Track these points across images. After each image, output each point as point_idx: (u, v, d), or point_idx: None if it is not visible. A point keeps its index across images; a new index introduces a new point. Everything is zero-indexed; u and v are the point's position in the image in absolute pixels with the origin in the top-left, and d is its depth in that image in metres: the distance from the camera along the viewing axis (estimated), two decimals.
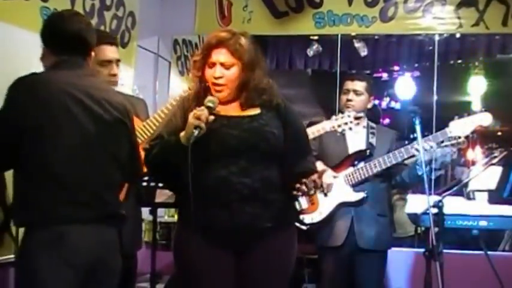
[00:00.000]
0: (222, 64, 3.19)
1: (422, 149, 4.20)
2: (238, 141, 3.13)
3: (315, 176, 3.22)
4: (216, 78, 3.19)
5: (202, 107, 3.09)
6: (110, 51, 3.83)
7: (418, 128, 4.04)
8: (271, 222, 3.16)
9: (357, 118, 4.44)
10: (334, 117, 4.44)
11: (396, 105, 12.83)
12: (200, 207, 3.01)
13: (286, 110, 3.33)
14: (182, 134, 3.08)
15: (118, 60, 3.90)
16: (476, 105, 11.99)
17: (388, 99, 12.80)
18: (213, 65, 3.20)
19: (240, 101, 3.28)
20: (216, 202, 3.09)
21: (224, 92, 3.22)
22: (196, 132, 3.00)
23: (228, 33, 3.24)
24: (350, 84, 4.69)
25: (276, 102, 3.29)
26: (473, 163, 10.48)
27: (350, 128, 4.37)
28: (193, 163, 3.00)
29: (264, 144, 3.16)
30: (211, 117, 3.08)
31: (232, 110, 3.27)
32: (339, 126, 4.35)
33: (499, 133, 10.20)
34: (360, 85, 4.68)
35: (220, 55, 3.19)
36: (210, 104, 3.11)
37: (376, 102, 11.35)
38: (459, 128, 4.40)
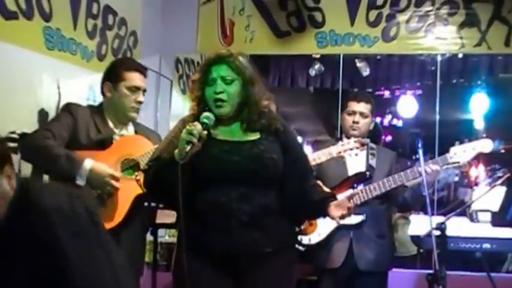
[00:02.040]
0: (223, 79, 3.17)
1: (424, 172, 4.18)
2: (239, 167, 3.12)
3: (349, 204, 3.23)
4: (217, 93, 3.16)
5: (196, 122, 3.06)
6: (140, 79, 3.92)
7: (420, 151, 4.02)
8: (271, 247, 3.14)
9: (362, 145, 4.43)
10: (340, 142, 4.46)
11: (398, 123, 12.84)
12: (200, 231, 3.00)
13: (285, 134, 3.32)
14: (176, 151, 3.03)
15: (144, 90, 3.97)
16: (479, 123, 11.99)
17: (390, 116, 12.81)
18: (213, 81, 3.18)
19: (242, 119, 3.26)
20: (216, 228, 3.08)
21: (226, 108, 3.19)
22: (188, 147, 2.96)
23: (227, 52, 3.27)
24: (356, 106, 4.64)
25: (276, 127, 3.27)
26: (476, 184, 10.45)
27: (356, 154, 4.39)
28: (193, 187, 2.99)
29: (264, 170, 3.15)
30: (205, 133, 3.04)
31: (234, 133, 3.25)
32: (345, 151, 4.37)
33: (502, 151, 10.16)
34: (365, 107, 4.65)
35: (221, 70, 3.19)
36: (205, 120, 3.07)
37: (378, 119, 11.40)
38: (460, 154, 4.37)
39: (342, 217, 3.23)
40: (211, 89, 3.18)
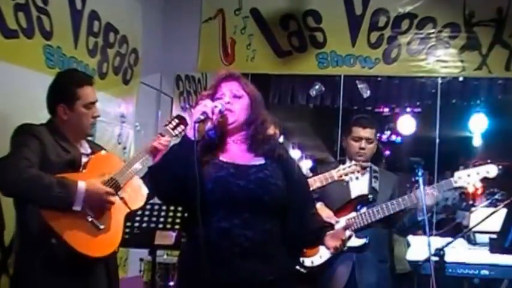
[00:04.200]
0: (231, 93, 3.19)
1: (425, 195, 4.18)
2: (243, 192, 3.08)
3: (343, 236, 3.21)
4: (225, 103, 3.15)
5: (208, 100, 3.10)
6: (93, 92, 3.75)
7: (420, 180, 4.01)
8: (272, 275, 3.11)
9: (363, 168, 4.44)
10: (341, 166, 4.46)
11: (397, 139, 12.90)
12: (200, 260, 2.98)
13: (287, 161, 3.30)
14: (187, 128, 3.07)
15: (96, 101, 3.81)
16: (477, 141, 12.03)
17: (388, 133, 12.86)
18: (223, 95, 3.19)
19: (248, 140, 3.24)
20: (217, 255, 3.03)
21: (232, 117, 3.18)
22: (202, 117, 2.98)
23: (237, 72, 3.30)
24: (362, 132, 4.65)
25: (279, 153, 3.26)
26: (474, 205, 10.46)
27: (357, 178, 4.40)
28: (194, 212, 2.96)
29: (269, 196, 3.12)
30: (218, 108, 3.06)
31: (239, 156, 3.22)
32: (346, 175, 4.38)
33: (499, 167, 10.22)
34: (371, 132, 4.67)
35: (231, 86, 3.21)
36: (218, 104, 3.09)
37: (377, 135, 11.42)
38: (464, 179, 4.38)
39: (335, 249, 3.21)
40: (220, 102, 3.17)
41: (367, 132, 4.65)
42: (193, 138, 2.98)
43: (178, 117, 3.98)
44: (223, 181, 3.09)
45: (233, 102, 3.18)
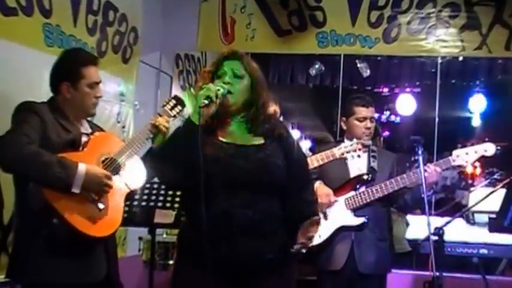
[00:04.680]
0: (233, 72, 3.19)
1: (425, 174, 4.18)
2: (243, 172, 3.09)
3: (310, 233, 3.23)
4: (225, 83, 3.16)
5: (211, 84, 3.11)
6: (97, 73, 3.74)
7: (420, 158, 4.01)
8: (272, 254, 3.13)
9: (365, 146, 4.45)
10: (343, 144, 4.48)
11: (396, 119, 12.89)
12: (201, 239, 2.97)
13: (287, 140, 3.30)
14: (191, 111, 3.06)
15: (100, 81, 3.80)
16: (476, 121, 12.03)
17: (388, 113, 12.85)
18: (223, 74, 3.20)
19: (247, 123, 3.24)
20: (217, 235, 3.03)
21: (231, 99, 3.17)
22: (206, 101, 2.98)
23: (240, 51, 3.29)
24: (365, 112, 4.67)
25: (279, 133, 3.26)
26: (473, 185, 10.47)
27: (359, 156, 4.44)
28: (195, 192, 2.96)
29: (269, 176, 3.13)
30: (221, 91, 3.06)
31: (239, 137, 3.23)
32: (348, 153, 4.39)
33: (498, 148, 10.24)
34: (373, 111, 4.72)
35: (233, 65, 3.21)
36: (220, 87, 3.09)
37: (376, 115, 11.43)
38: (462, 157, 4.39)
39: (300, 246, 3.21)
40: (220, 81, 3.18)
41: (370, 112, 4.68)
42: (197, 123, 2.99)
43: (176, 98, 3.96)
44: (223, 162, 3.10)
45: (233, 82, 3.18)
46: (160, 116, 3.85)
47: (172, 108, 3.91)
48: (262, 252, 3.11)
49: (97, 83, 3.69)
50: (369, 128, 4.64)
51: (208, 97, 3.00)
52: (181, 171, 3.06)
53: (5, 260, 4.01)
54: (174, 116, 3.90)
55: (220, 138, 3.19)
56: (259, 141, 3.22)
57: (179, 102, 3.92)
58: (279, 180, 3.17)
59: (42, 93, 4.28)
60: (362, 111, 4.67)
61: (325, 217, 4.52)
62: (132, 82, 6.05)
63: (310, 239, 3.25)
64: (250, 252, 3.08)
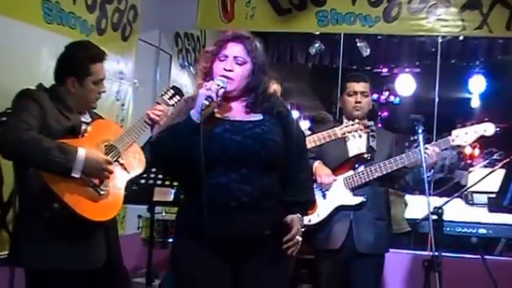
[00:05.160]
0: (235, 58, 3.17)
1: (425, 154, 4.17)
2: (240, 147, 3.08)
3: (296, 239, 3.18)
4: (226, 70, 3.15)
5: (212, 82, 3.09)
6: (104, 69, 3.72)
7: (420, 137, 4.00)
8: (270, 229, 3.13)
9: (366, 126, 4.44)
10: (345, 123, 4.48)
11: (395, 100, 12.87)
12: (199, 215, 2.98)
13: (287, 119, 3.29)
14: (192, 111, 3.04)
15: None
16: (476, 102, 12.02)
17: (387, 93, 12.83)
18: (225, 58, 3.18)
19: (246, 103, 3.24)
20: (215, 210, 3.03)
21: (230, 86, 3.16)
22: (206, 102, 2.98)
23: (246, 33, 3.25)
24: (356, 86, 4.64)
25: (278, 110, 3.26)
26: (472, 165, 10.49)
27: (360, 136, 4.44)
28: (193, 169, 2.97)
29: (266, 152, 3.12)
30: (222, 91, 3.06)
31: (236, 113, 3.23)
32: (349, 132, 4.40)
33: (497, 129, 10.27)
34: (365, 86, 4.66)
35: (236, 49, 3.18)
36: (220, 83, 3.09)
37: (375, 96, 11.41)
38: (461, 137, 4.37)
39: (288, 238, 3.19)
40: (221, 65, 3.17)
41: (361, 86, 4.64)
42: (198, 122, 3.00)
43: (174, 88, 3.98)
44: (219, 137, 3.10)
45: (235, 68, 3.17)
46: (159, 104, 3.86)
47: (171, 98, 3.92)
48: (260, 228, 3.11)
49: (102, 79, 3.68)
50: (359, 102, 4.61)
51: (209, 97, 3.00)
52: (179, 163, 3.08)
53: (5, 236, 4.03)
54: (173, 105, 3.90)
55: (217, 115, 3.18)
56: (257, 117, 3.22)
57: (178, 92, 3.93)
58: (276, 156, 3.16)
59: (41, 70, 4.30)
60: (352, 85, 4.66)
61: (324, 196, 4.52)
62: (132, 60, 6.04)
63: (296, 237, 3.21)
64: (248, 228, 3.08)
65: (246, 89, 3.22)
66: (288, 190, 3.23)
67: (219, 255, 3.10)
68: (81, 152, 3.32)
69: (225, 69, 3.16)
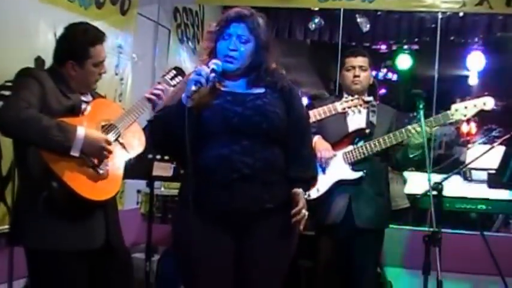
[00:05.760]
0: (238, 37, 3.16)
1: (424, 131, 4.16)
2: (241, 118, 3.10)
3: (302, 212, 3.18)
4: (230, 49, 3.16)
5: (204, 66, 3.08)
6: (104, 50, 3.70)
7: (421, 112, 3.98)
8: (272, 203, 3.13)
9: (366, 102, 4.43)
10: (344, 98, 4.47)
11: (393, 77, 12.85)
12: (200, 186, 2.98)
13: (290, 93, 3.29)
14: (183, 95, 3.03)
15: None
16: (473, 79, 12.01)
17: (385, 70, 12.81)
18: (229, 37, 3.17)
19: (249, 79, 3.25)
20: (217, 181, 3.05)
21: (234, 65, 3.18)
22: (194, 87, 2.97)
23: (248, 11, 3.22)
24: (354, 61, 4.63)
25: (281, 85, 3.26)
26: (469, 141, 10.49)
27: (360, 111, 4.42)
28: (195, 140, 2.97)
29: (267, 123, 3.12)
30: (213, 75, 3.06)
31: (238, 87, 3.24)
32: (350, 108, 4.38)
33: (495, 107, 10.30)
34: (363, 61, 4.65)
35: (239, 28, 3.17)
36: (214, 66, 3.08)
37: (374, 73, 11.40)
38: (461, 111, 4.35)
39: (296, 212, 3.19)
40: (225, 44, 3.17)
41: (359, 61, 4.63)
42: (188, 105, 2.99)
43: (176, 68, 3.97)
44: (220, 108, 3.11)
45: (239, 47, 3.16)
46: (160, 84, 3.85)
47: (172, 78, 3.91)
48: (261, 201, 3.12)
49: (102, 61, 3.67)
50: (357, 76, 4.60)
51: (197, 82, 2.99)
52: (175, 143, 3.06)
53: (4, 210, 4.02)
54: (174, 86, 3.90)
55: (219, 87, 3.18)
56: (259, 90, 3.23)
57: (179, 72, 3.93)
58: (278, 129, 3.17)
59: (39, 42, 4.27)
60: (350, 60, 4.66)
61: (324, 171, 4.51)
62: (130, 34, 6.01)
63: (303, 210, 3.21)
64: (249, 200, 3.09)
65: (249, 67, 3.23)
66: (292, 166, 3.23)
67: (221, 228, 3.11)
68: (81, 131, 3.31)
69: (228, 49, 3.16)
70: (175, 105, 3.08)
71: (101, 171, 3.42)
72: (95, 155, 3.39)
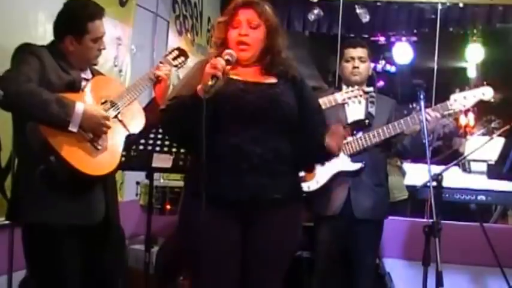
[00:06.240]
0: (248, 22, 3.19)
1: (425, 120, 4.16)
2: (253, 107, 3.11)
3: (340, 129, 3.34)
4: (241, 35, 3.17)
5: (219, 57, 3.07)
6: (102, 26, 3.67)
7: (422, 102, 3.97)
8: (279, 193, 3.15)
9: (366, 92, 4.43)
10: (344, 89, 4.50)
11: (391, 69, 12.83)
12: (210, 175, 2.96)
13: (302, 84, 3.32)
14: (199, 87, 3.02)
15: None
16: (472, 71, 12.00)
17: (383, 62, 12.78)
18: (239, 24, 3.20)
19: (262, 66, 3.27)
20: (226, 170, 3.07)
21: (248, 52, 3.21)
22: (212, 81, 2.95)
23: None
24: (354, 52, 4.65)
25: (292, 75, 3.27)
26: (468, 133, 10.48)
27: (359, 102, 4.44)
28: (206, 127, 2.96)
29: (279, 113, 3.14)
30: (228, 67, 3.05)
31: (251, 75, 3.25)
32: (349, 98, 4.40)
33: (493, 99, 10.29)
34: (363, 52, 4.67)
35: (247, 14, 3.20)
36: (228, 57, 3.08)
37: (372, 65, 11.37)
38: (460, 101, 4.36)
39: (339, 146, 3.30)
40: (236, 32, 3.20)
41: (358, 52, 4.66)
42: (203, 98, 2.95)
43: (179, 49, 3.98)
44: (232, 96, 3.11)
45: (249, 32, 3.19)
46: (162, 64, 3.84)
47: (175, 59, 3.91)
48: (269, 191, 3.13)
49: (101, 37, 3.65)
50: (357, 67, 4.63)
51: (214, 77, 2.97)
52: (189, 134, 3.05)
53: (3, 202, 4.01)
54: (176, 66, 3.90)
55: (232, 76, 3.18)
56: (272, 80, 3.25)
57: (182, 53, 3.93)
58: (289, 118, 3.18)
59: (39, 32, 4.26)
60: (349, 51, 4.69)
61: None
62: (129, 26, 5.98)
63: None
64: (258, 190, 3.10)
65: (261, 53, 3.25)
66: (306, 149, 3.27)
67: (229, 217, 3.13)
68: (79, 106, 3.31)
69: (240, 35, 3.18)
70: (189, 96, 3.07)
71: (99, 147, 3.43)
72: (93, 131, 3.40)
